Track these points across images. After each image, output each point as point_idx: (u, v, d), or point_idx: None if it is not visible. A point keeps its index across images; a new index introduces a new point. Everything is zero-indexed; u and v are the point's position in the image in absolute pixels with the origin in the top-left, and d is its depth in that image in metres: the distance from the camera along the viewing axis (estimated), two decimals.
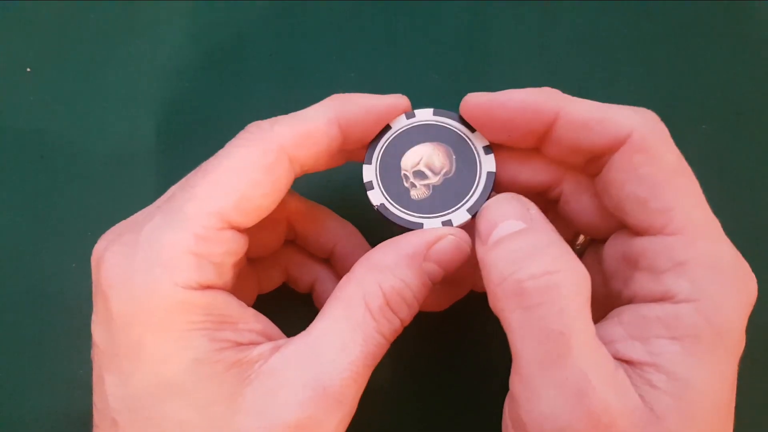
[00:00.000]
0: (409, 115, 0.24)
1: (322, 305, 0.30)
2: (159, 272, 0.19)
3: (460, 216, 0.23)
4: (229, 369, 0.19)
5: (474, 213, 0.23)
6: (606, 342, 0.20)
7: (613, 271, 0.23)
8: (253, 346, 0.20)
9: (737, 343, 0.19)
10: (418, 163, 0.24)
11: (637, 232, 0.21)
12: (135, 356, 0.19)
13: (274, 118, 0.22)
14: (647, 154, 0.20)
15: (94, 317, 0.21)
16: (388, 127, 0.24)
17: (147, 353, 0.19)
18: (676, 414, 0.18)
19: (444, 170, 0.24)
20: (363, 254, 0.28)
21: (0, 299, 0.32)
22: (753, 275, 0.20)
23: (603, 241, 0.24)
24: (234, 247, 0.21)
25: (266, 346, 0.20)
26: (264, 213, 0.22)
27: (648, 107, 0.35)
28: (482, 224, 0.21)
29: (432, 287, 0.22)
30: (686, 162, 0.21)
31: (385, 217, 0.23)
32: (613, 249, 0.23)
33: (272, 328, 0.22)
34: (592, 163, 0.22)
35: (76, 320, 0.31)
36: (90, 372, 0.21)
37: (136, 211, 0.23)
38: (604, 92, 0.35)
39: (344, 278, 0.22)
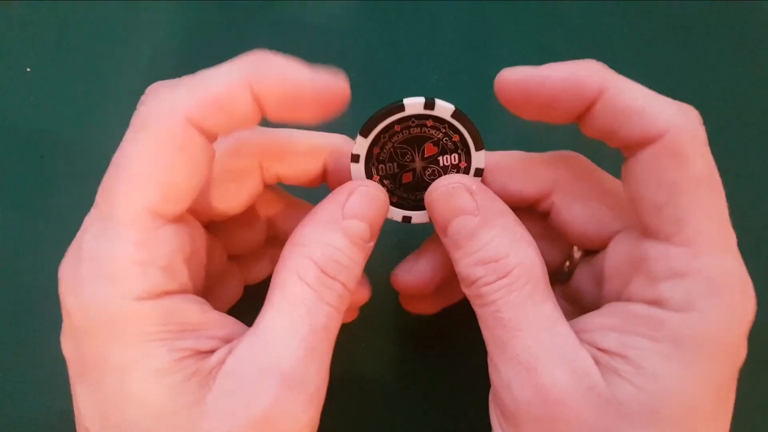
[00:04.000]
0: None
1: None
2: (106, 285, 0.19)
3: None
4: (189, 379, 0.19)
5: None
6: (585, 330, 0.20)
7: (613, 273, 0.22)
8: (213, 353, 0.20)
9: (728, 355, 0.19)
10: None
11: (646, 231, 0.21)
12: (100, 368, 0.19)
13: (175, 81, 0.20)
14: (676, 159, 0.19)
15: (62, 329, 0.20)
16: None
17: (110, 365, 0.19)
18: (638, 404, 0.18)
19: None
20: None
21: (0, 299, 0.32)
22: (752, 293, 0.19)
23: (595, 252, 0.24)
24: (178, 243, 0.20)
25: (223, 351, 0.20)
26: (195, 191, 0.20)
27: None
28: (436, 217, 0.22)
29: (367, 244, 0.22)
30: (716, 171, 0.20)
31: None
32: (620, 247, 0.22)
33: (240, 332, 0.21)
34: (626, 149, 0.21)
35: None
36: None
37: None
38: None
39: (276, 267, 0.21)
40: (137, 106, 0.20)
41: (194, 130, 0.19)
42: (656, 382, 0.18)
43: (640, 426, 0.18)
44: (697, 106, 0.34)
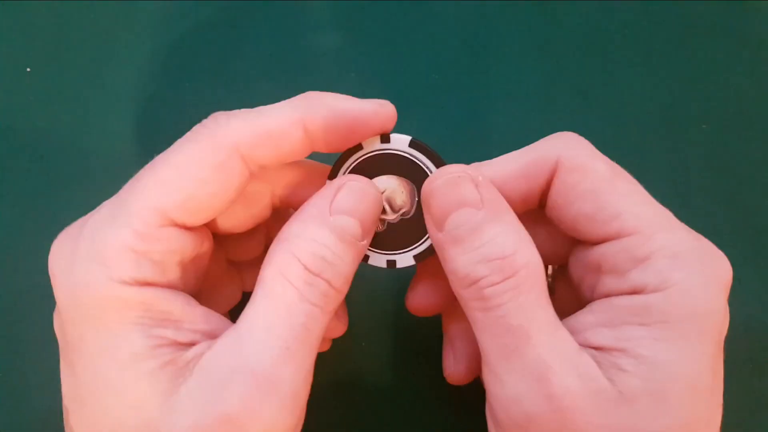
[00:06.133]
0: (384, 139, 0.23)
1: None
2: (95, 267, 0.19)
3: (406, 260, 0.23)
4: (163, 367, 0.19)
5: (419, 261, 0.23)
6: (576, 331, 0.20)
7: (579, 282, 0.23)
8: (193, 346, 0.20)
9: (714, 324, 0.19)
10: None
11: (595, 243, 0.21)
12: (78, 349, 0.19)
13: (234, 112, 0.21)
14: (579, 172, 0.21)
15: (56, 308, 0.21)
16: (360, 147, 0.23)
17: (87, 347, 0.19)
18: (646, 395, 0.18)
19: (403, 210, 0.23)
20: None
21: (0, 299, 0.32)
22: (721, 254, 0.20)
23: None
24: (177, 245, 0.20)
25: (203, 345, 0.20)
26: (215, 212, 0.21)
27: (648, 107, 0.35)
28: (434, 209, 0.21)
29: (358, 242, 0.21)
30: (619, 166, 0.21)
31: None
32: (575, 262, 0.23)
33: (226, 328, 0.21)
34: (540, 197, 0.23)
35: None
36: None
37: None
38: (604, 92, 0.35)
39: (262, 264, 0.21)
40: (196, 126, 0.21)
41: (237, 155, 0.20)
42: (658, 369, 0.18)
43: (651, 417, 0.18)
44: (698, 106, 0.34)
